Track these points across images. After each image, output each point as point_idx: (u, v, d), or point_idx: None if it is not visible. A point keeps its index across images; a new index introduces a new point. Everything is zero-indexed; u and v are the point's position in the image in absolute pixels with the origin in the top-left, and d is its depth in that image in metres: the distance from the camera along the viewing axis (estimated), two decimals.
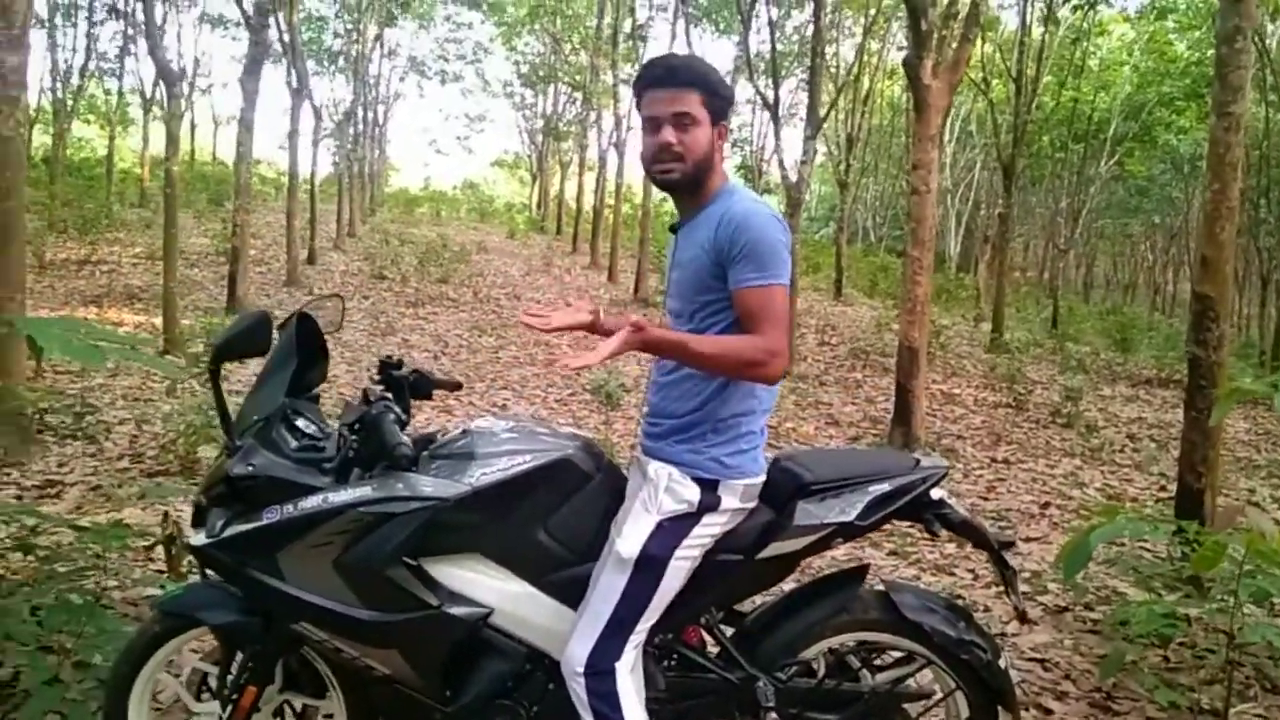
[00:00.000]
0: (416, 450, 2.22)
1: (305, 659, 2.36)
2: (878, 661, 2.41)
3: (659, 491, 2.11)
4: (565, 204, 33.51)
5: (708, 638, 2.42)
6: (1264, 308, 17.95)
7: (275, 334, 2.33)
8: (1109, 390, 11.91)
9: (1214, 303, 4.37)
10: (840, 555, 4.50)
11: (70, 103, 21.19)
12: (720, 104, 2.14)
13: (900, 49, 21.36)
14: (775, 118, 14.10)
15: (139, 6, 15.94)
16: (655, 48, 22.32)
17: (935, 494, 2.31)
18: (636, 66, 18.38)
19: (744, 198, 2.13)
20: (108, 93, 26.60)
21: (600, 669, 2.07)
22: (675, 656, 2.35)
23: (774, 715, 2.28)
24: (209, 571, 2.29)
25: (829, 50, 19.71)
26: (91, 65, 22.29)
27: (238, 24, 20.84)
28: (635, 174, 24.75)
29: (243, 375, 7.16)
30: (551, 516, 2.24)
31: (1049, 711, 3.26)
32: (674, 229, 2.27)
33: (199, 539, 2.18)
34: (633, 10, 20.15)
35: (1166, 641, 3.58)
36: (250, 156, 12.11)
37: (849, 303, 18.97)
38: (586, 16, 23.34)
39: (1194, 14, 19.03)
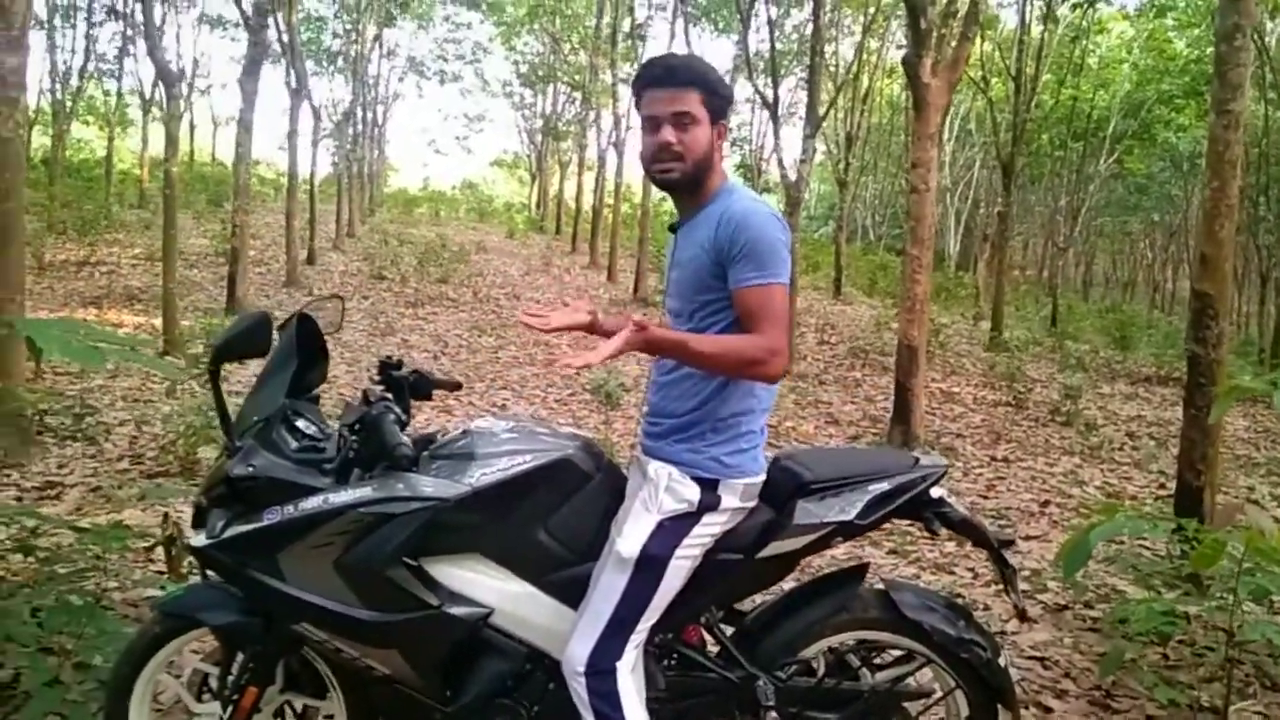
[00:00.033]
0: (416, 451, 2.22)
1: (306, 659, 2.36)
2: (878, 660, 2.42)
3: (659, 491, 2.11)
4: (564, 204, 33.51)
5: (708, 637, 2.42)
6: (1263, 305, 17.96)
7: (275, 335, 2.33)
8: (1108, 388, 11.91)
9: (1213, 300, 4.37)
10: (840, 554, 4.50)
11: (69, 104, 21.17)
12: (720, 103, 2.14)
13: (899, 47, 21.38)
14: (774, 116, 14.10)
15: (138, 7, 15.96)
16: (654, 47, 22.35)
17: (935, 492, 2.32)
18: (635, 66, 18.38)
19: (743, 197, 2.13)
20: (107, 94, 26.59)
21: (601, 668, 2.07)
22: (675, 656, 2.35)
23: (774, 714, 2.29)
24: (209, 572, 2.29)
25: (828, 49, 19.71)
26: (90, 66, 22.28)
27: (236, 25, 20.85)
28: (634, 173, 24.75)
29: (243, 376, 7.16)
30: (552, 516, 2.24)
31: (1049, 709, 3.26)
32: (673, 229, 2.27)
33: (199, 540, 2.18)
34: (631, 9, 20.15)
35: (1166, 639, 3.58)
36: (249, 157, 12.11)
37: (848, 301, 18.97)
38: (585, 16, 23.34)
39: (1193, 11, 19.02)
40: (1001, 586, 2.48)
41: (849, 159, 21.27)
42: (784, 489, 2.26)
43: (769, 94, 13.90)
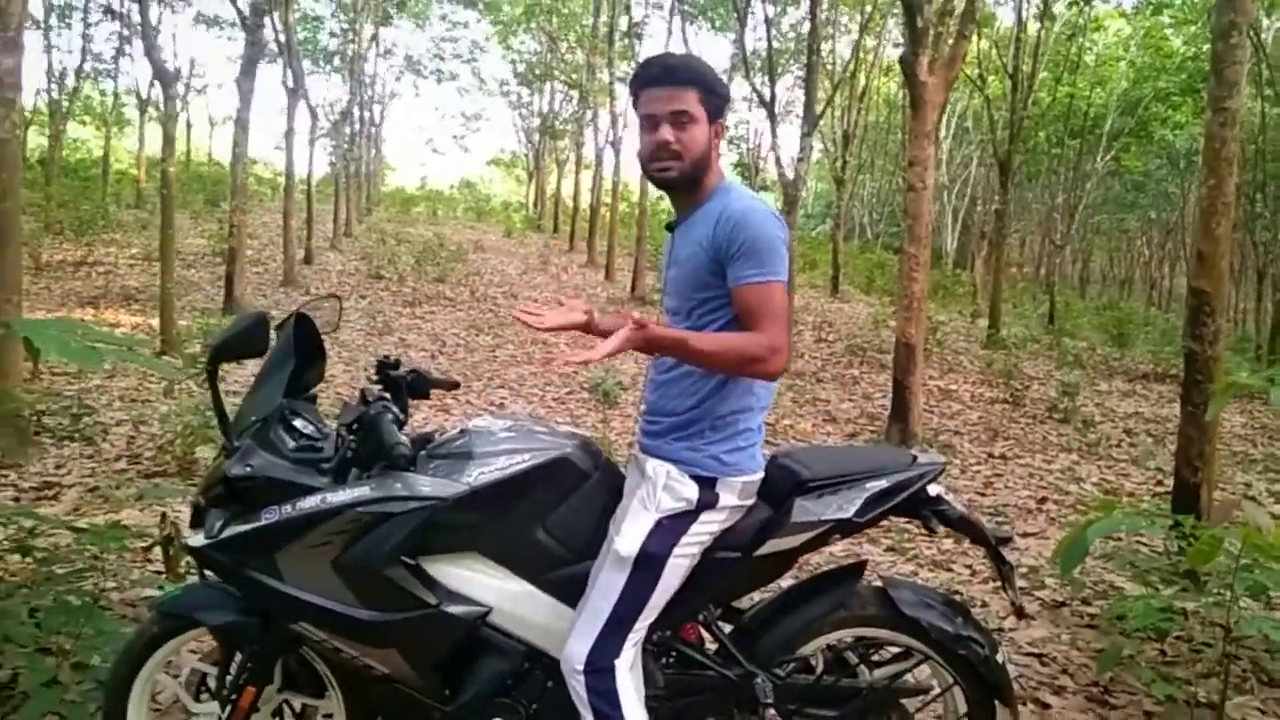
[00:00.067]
0: (414, 450, 2.23)
1: (304, 659, 2.36)
2: (876, 657, 2.42)
3: (657, 489, 2.11)
4: (562, 202, 33.48)
5: (706, 635, 2.42)
6: (1260, 302, 17.98)
7: (273, 335, 2.33)
8: (1105, 385, 11.93)
9: (1210, 297, 4.38)
10: (838, 551, 4.51)
11: (66, 104, 21.13)
12: (717, 102, 2.15)
13: (896, 46, 21.39)
14: (771, 115, 14.09)
15: (134, 7, 15.93)
16: (651, 45, 22.40)
17: (932, 490, 2.32)
18: (633, 64, 18.38)
19: (741, 195, 2.13)
20: (103, 94, 26.60)
21: (600, 667, 2.08)
22: (674, 654, 2.35)
23: (772, 712, 2.29)
24: (207, 572, 2.29)
25: (825, 47, 19.74)
26: (87, 66, 22.22)
27: (233, 24, 20.79)
28: (632, 172, 24.73)
29: (240, 376, 7.16)
30: (550, 515, 2.25)
31: (1046, 706, 3.27)
32: (670, 227, 2.27)
33: (197, 540, 2.18)
34: (628, 8, 20.13)
35: (1163, 635, 3.59)
36: (246, 157, 12.12)
37: (846, 300, 18.98)
38: (583, 15, 23.30)
39: (1189, 9, 19.02)
40: (999, 583, 2.48)
41: (846, 157, 21.25)
42: (782, 487, 2.26)
43: (766, 92, 13.89)
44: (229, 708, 2.28)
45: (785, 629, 2.36)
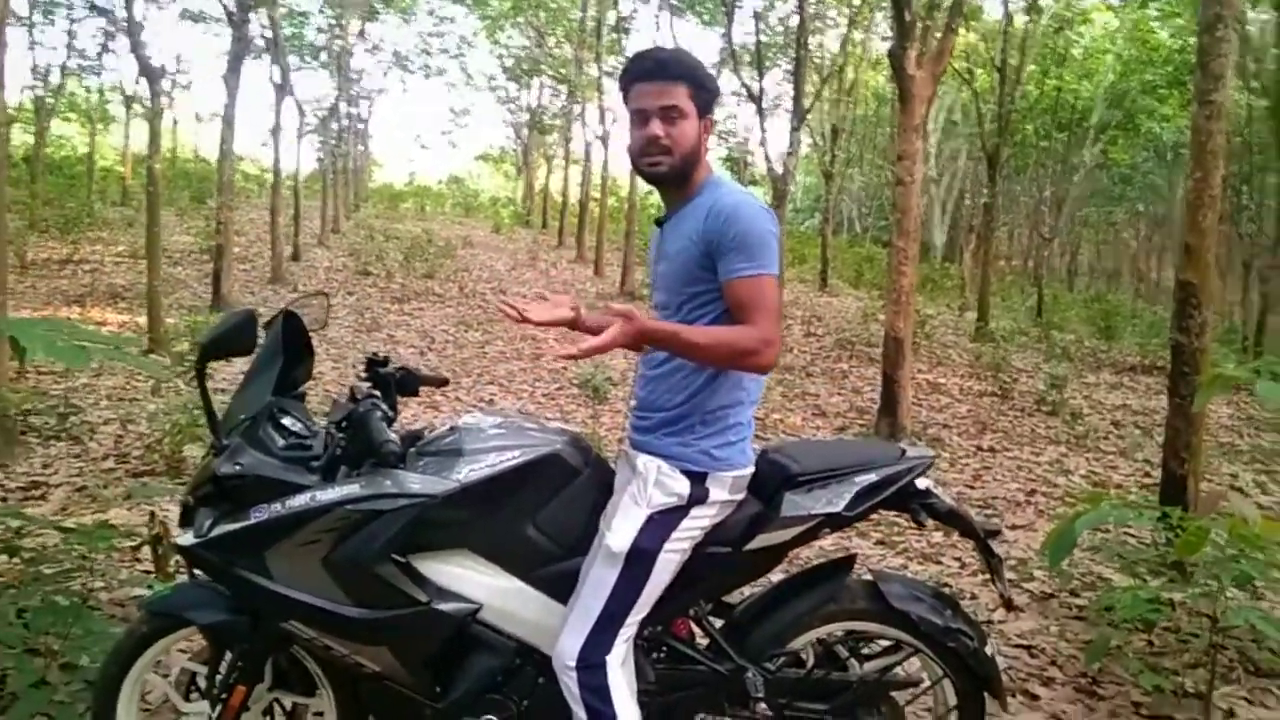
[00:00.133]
0: (404, 447, 2.23)
1: (294, 657, 2.35)
2: (866, 651, 2.43)
3: (648, 485, 2.11)
4: (551, 198, 33.42)
5: (697, 630, 2.43)
6: (1246, 294, 18.08)
7: (261, 332, 2.32)
8: (1093, 378, 11.98)
9: (1196, 289, 4.40)
10: (828, 545, 4.52)
11: (50, 101, 21.00)
12: (707, 97, 2.15)
13: (884, 39, 21.40)
14: (760, 109, 14.11)
15: (119, 3, 15.82)
16: (639, 40, 22.31)
17: (921, 483, 2.33)
18: (621, 59, 18.35)
19: (731, 189, 2.14)
20: (88, 90, 26.36)
21: (592, 662, 2.08)
22: (664, 649, 2.36)
23: (763, 705, 2.30)
24: (197, 571, 2.28)
25: (813, 41, 19.71)
26: (72, 63, 22.07)
27: (219, 20, 20.69)
28: (621, 167, 24.74)
29: (228, 374, 7.13)
30: (540, 511, 2.25)
31: (1035, 697, 3.29)
32: (659, 222, 2.27)
33: (186, 539, 2.18)
34: (616, 2, 20.09)
35: (1151, 626, 3.61)
36: (233, 153, 12.08)
37: (835, 293, 19.00)
38: (570, 9, 23.21)
39: (1176, 2, 19.08)
40: (988, 576, 2.49)
41: (834, 151, 21.27)
42: (772, 481, 2.26)
43: (754, 87, 13.92)
44: (219, 707, 2.27)
45: (775, 623, 2.36)
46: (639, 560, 2.09)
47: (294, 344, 2.43)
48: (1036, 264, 25.19)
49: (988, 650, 2.35)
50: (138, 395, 7.39)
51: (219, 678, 2.31)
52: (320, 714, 2.42)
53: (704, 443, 2.14)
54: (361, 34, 24.28)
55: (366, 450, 2.15)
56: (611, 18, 20.11)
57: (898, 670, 2.40)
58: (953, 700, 2.40)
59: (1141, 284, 36.74)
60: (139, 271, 12.27)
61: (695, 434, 2.14)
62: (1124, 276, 40.10)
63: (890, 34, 8.25)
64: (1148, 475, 6.83)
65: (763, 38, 15.89)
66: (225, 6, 12.14)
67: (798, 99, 12.22)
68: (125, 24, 10.99)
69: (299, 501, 2.12)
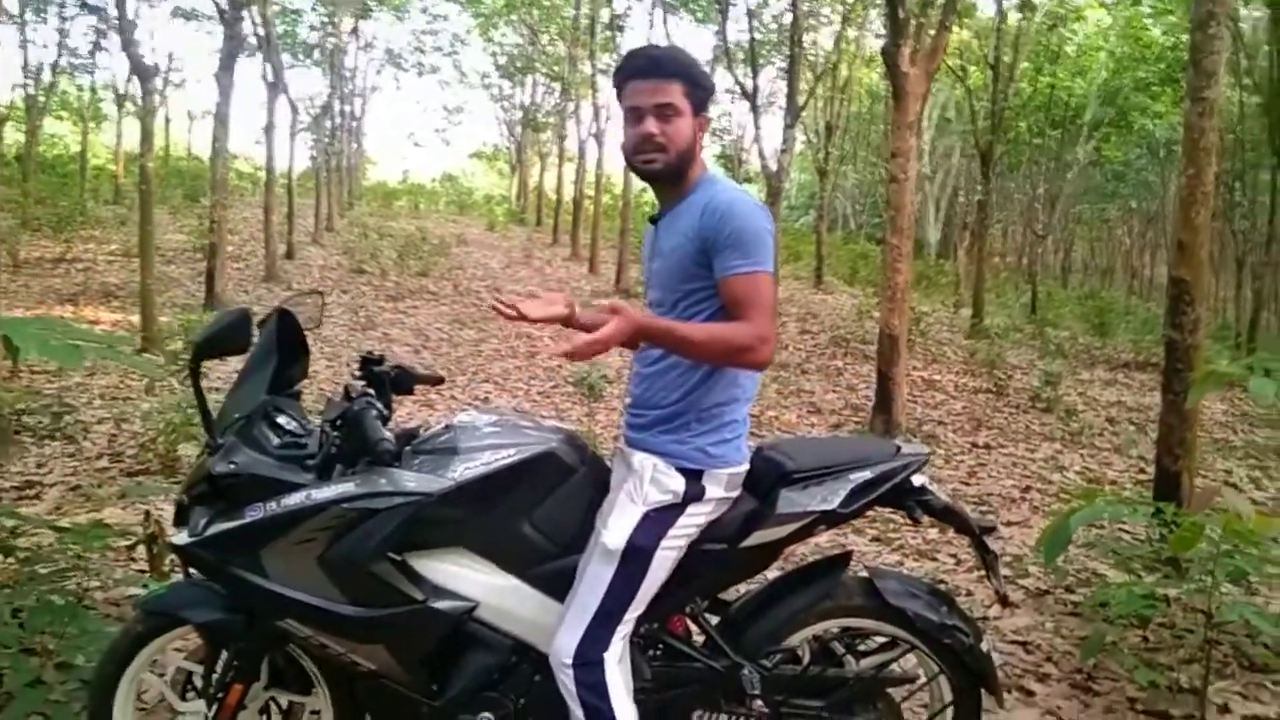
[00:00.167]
0: (399, 445, 2.22)
1: (291, 655, 2.35)
2: (862, 647, 2.43)
3: (644, 482, 2.11)
4: (545, 195, 33.39)
5: (693, 627, 2.43)
6: (1239, 291, 18.10)
7: (255, 331, 2.32)
8: (1088, 374, 12.00)
9: (1190, 286, 4.41)
10: (823, 542, 4.52)
11: (42, 99, 20.89)
12: (702, 95, 2.15)
13: (878, 37, 21.40)
14: (754, 107, 14.12)
15: (111, 1, 15.76)
16: (632, 37, 22.28)
17: (917, 480, 2.33)
18: (615, 57, 18.33)
19: (727, 187, 2.14)
20: (80, 89, 26.26)
21: (589, 660, 2.08)
22: (661, 646, 2.36)
23: (759, 702, 2.30)
24: (192, 570, 2.28)
25: (807, 39, 19.70)
26: (63, 61, 21.97)
27: (211, 18, 20.62)
28: (615, 164, 24.70)
29: (222, 372, 7.12)
30: (536, 509, 2.25)
31: (1031, 693, 3.29)
32: (654, 220, 2.27)
33: (181, 538, 2.17)
34: (610, 0, 20.07)
35: (1146, 622, 3.62)
36: (226, 151, 12.03)
37: (829, 291, 19.00)
38: (564, 7, 23.18)
39: None
40: (983, 572, 2.50)
41: (829, 148, 21.26)
42: (767, 478, 2.27)
43: (748, 84, 13.92)
44: (215, 706, 2.27)
45: (771, 620, 2.36)
46: (635, 558, 2.09)
47: (288, 342, 2.43)
48: (1030, 261, 25.25)
49: (983, 646, 2.35)
50: (131, 394, 7.37)
51: (215, 676, 2.31)
52: (317, 712, 2.41)
53: (699, 440, 2.14)
54: (354, 31, 24.25)
55: (362, 448, 2.15)
56: (605, 15, 20.09)
57: (894, 667, 2.40)
58: (948, 696, 2.40)
59: (1135, 280, 36.83)
60: (132, 270, 12.23)
61: (691, 431, 2.14)
62: (1117, 273, 40.20)
63: (884, 31, 8.25)
64: (1142, 471, 6.85)
65: (756, 35, 15.89)
66: (217, 4, 12.09)
67: (792, 96, 12.23)
68: (117, 22, 10.93)
69: (294, 500, 2.11)
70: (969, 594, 4.23)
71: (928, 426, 8.23)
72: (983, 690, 2.39)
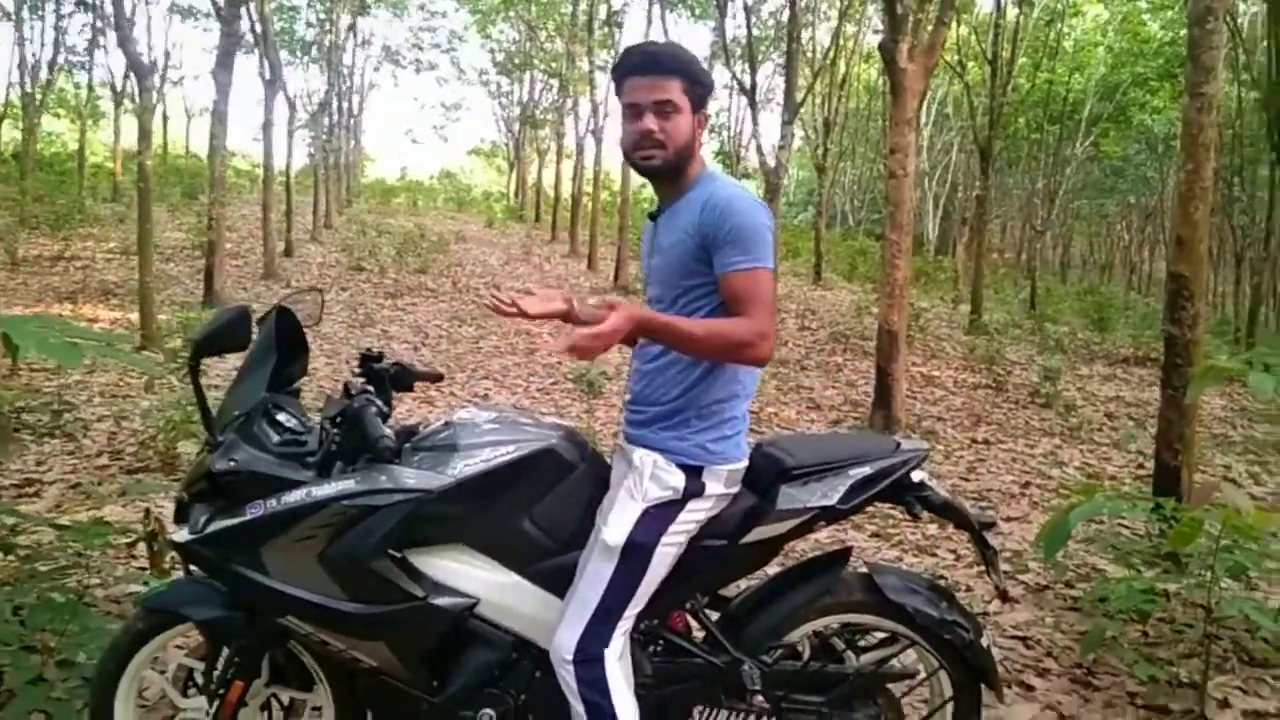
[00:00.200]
0: (399, 442, 2.22)
1: (291, 652, 2.35)
2: (862, 643, 2.43)
3: (644, 479, 2.11)
4: (543, 192, 33.39)
5: (693, 623, 2.43)
6: (1238, 285, 18.11)
7: (254, 328, 2.32)
8: (1087, 370, 12.01)
9: (1189, 281, 4.42)
10: (823, 538, 4.53)
11: (39, 97, 20.86)
12: (701, 92, 2.15)
13: (876, 32, 21.37)
14: (752, 103, 14.13)
15: None
16: (630, 34, 22.24)
17: (916, 476, 2.33)
18: (613, 53, 18.34)
19: (726, 183, 2.14)
20: (77, 86, 26.23)
21: (589, 656, 2.08)
22: (661, 642, 2.36)
23: (760, 698, 2.30)
24: (193, 567, 2.28)
25: (805, 35, 19.71)
26: (60, 59, 21.96)
27: (208, 15, 20.60)
28: (613, 161, 24.70)
29: (221, 370, 7.12)
30: (536, 506, 2.25)
31: (1031, 688, 3.30)
32: (653, 216, 2.27)
33: (182, 535, 2.17)
34: None
35: (1145, 617, 3.63)
36: (224, 149, 12.00)
37: (828, 287, 19.01)
38: (561, 3, 23.17)
39: None
40: (983, 568, 2.50)
41: (827, 145, 21.26)
42: (766, 475, 2.27)
43: (746, 80, 13.91)
44: (216, 702, 2.27)
45: (772, 616, 2.37)
46: (635, 554, 2.09)
47: (287, 340, 2.43)
48: (1029, 256, 25.27)
49: (983, 642, 2.36)
50: (131, 392, 7.37)
51: (216, 673, 2.30)
52: (318, 709, 2.42)
53: (699, 437, 2.14)
54: (352, 28, 24.23)
55: (361, 446, 2.15)
56: (603, 12, 20.08)
57: (894, 662, 2.40)
58: (949, 692, 2.40)
59: (1134, 276, 36.85)
60: (130, 268, 12.23)
61: (691, 428, 2.14)
62: (1116, 268, 40.22)
63: (882, 27, 8.25)
64: (1141, 467, 6.86)
65: (754, 31, 15.88)
66: (214, 1, 12.08)
67: (789, 92, 12.22)
68: (114, 19, 10.92)
69: (294, 497, 2.11)
70: (969, 589, 4.24)
71: (927, 422, 8.23)
72: (983, 685, 2.40)
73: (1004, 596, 4.07)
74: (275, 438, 2.26)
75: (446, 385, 8.39)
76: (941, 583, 3.69)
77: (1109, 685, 3.32)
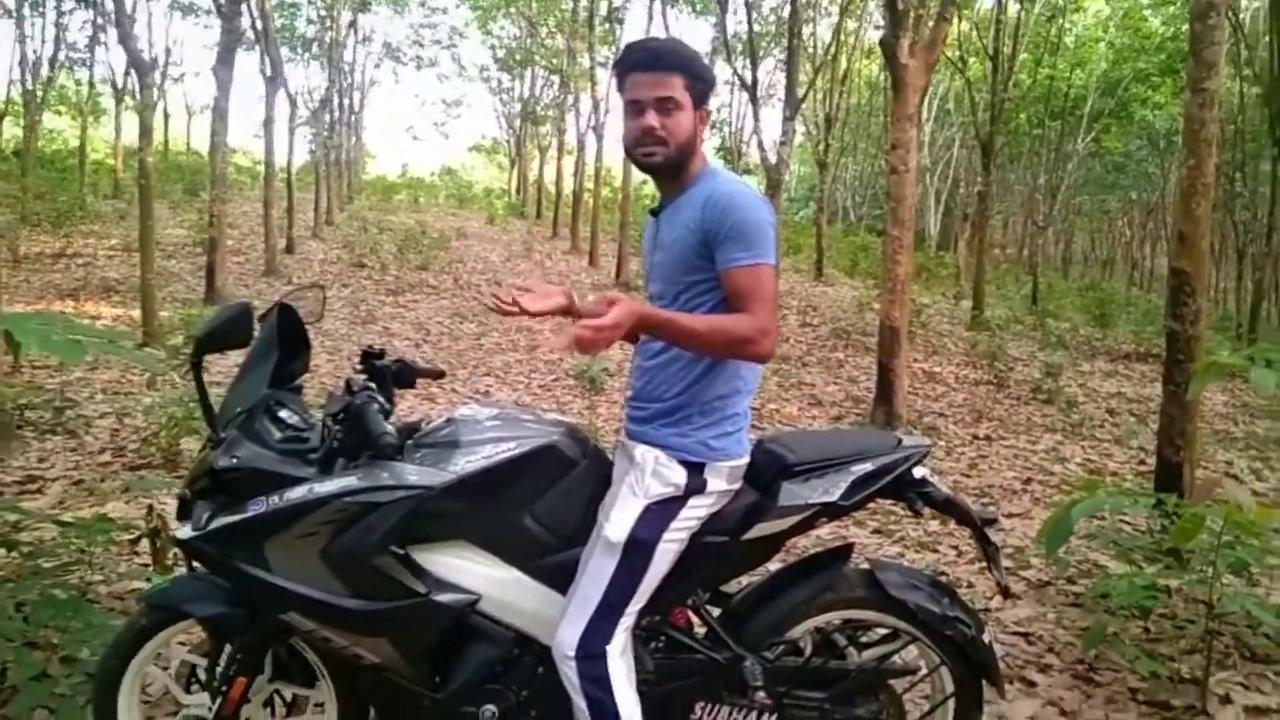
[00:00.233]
0: (401, 439, 2.22)
1: (294, 649, 2.36)
2: (864, 639, 2.43)
3: (646, 475, 2.11)
4: (544, 188, 33.36)
5: (695, 619, 2.43)
6: (1240, 281, 18.10)
7: (256, 325, 2.32)
8: (1088, 366, 12.01)
9: (1190, 277, 4.41)
10: (825, 534, 4.53)
11: (40, 94, 20.87)
12: (703, 88, 2.15)
13: (877, 28, 21.35)
14: (754, 99, 14.11)
15: None
16: (631, 30, 22.22)
17: (918, 472, 2.33)
18: (614, 49, 18.31)
19: (728, 179, 2.14)
20: (78, 83, 26.22)
21: (591, 652, 2.08)
22: (663, 638, 2.36)
23: (761, 694, 2.30)
24: (195, 564, 2.29)
25: (806, 30, 19.69)
26: (61, 55, 21.95)
27: (209, 12, 20.57)
28: (614, 157, 24.68)
29: (223, 367, 7.12)
30: (538, 502, 2.25)
31: (1033, 684, 3.30)
32: (654, 212, 2.27)
33: (184, 532, 2.18)
34: None
35: (1147, 613, 3.63)
36: (225, 146, 12.01)
37: (830, 283, 19.00)
38: None
39: None
40: (985, 564, 2.50)
41: (828, 140, 21.24)
42: (768, 471, 2.27)
43: (748, 76, 13.89)
44: (219, 699, 2.28)
45: (773, 612, 2.37)
46: (637, 550, 2.10)
47: (289, 336, 2.43)
48: (1031, 252, 25.25)
49: (985, 638, 2.36)
50: (133, 389, 7.38)
51: (219, 670, 2.31)
52: (320, 705, 2.42)
53: (701, 433, 2.14)
54: (353, 25, 24.21)
55: (363, 442, 2.15)
56: (604, 8, 20.06)
57: (895, 658, 2.40)
58: (950, 688, 2.40)
59: (1135, 271, 36.82)
60: (132, 265, 12.23)
61: (692, 424, 2.14)
62: (1118, 264, 40.18)
63: (883, 22, 8.24)
64: (1143, 463, 6.86)
65: (755, 27, 15.87)
66: None
67: (791, 88, 12.21)
68: (114, 16, 10.91)
69: (296, 494, 2.12)
70: (970, 585, 4.24)
71: (929, 418, 8.23)
72: (984, 681, 2.40)
73: (1005, 592, 4.05)
74: (277, 434, 2.26)
75: (448, 382, 8.39)
76: (943, 579, 3.69)
77: (1111, 681, 3.32)
